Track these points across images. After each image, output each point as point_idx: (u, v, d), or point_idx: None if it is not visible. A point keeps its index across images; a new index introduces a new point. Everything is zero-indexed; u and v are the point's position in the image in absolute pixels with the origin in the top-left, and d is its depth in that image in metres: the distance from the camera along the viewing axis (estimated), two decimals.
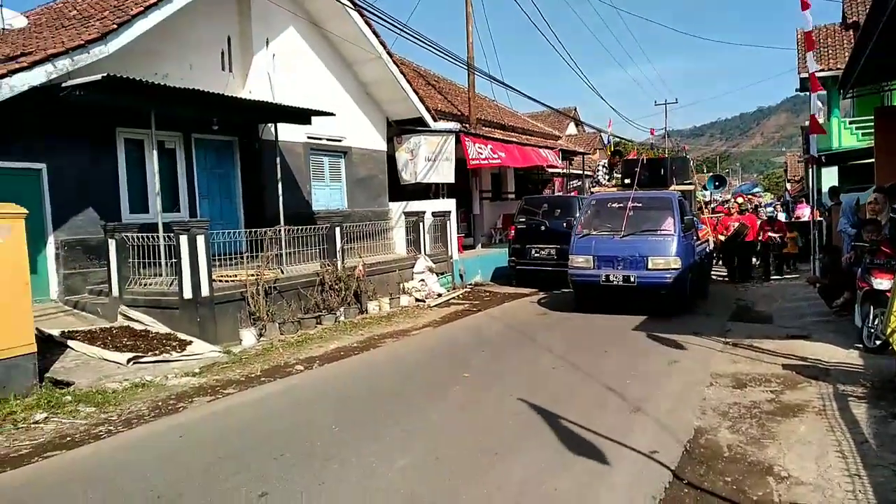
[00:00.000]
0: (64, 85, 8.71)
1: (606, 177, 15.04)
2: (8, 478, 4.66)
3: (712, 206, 24.35)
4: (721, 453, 4.64)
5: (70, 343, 8.20)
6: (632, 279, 10.43)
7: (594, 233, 11.18)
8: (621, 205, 11.30)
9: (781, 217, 23.67)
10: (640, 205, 11.22)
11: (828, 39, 23.48)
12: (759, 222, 16.33)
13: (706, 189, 28.38)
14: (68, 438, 5.48)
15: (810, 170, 15.66)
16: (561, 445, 4.84)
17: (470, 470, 4.47)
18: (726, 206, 19.39)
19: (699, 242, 12.29)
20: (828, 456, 4.47)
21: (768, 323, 9.97)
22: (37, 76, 8.44)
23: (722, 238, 15.70)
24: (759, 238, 15.85)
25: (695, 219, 12.82)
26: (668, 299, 10.55)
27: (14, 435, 5.55)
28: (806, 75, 17.95)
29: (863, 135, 19.68)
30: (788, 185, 43.92)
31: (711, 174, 34.70)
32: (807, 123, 15.71)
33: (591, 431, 5.06)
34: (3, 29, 8.78)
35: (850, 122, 21.13)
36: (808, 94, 13.61)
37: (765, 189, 57.75)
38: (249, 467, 4.60)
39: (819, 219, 14.03)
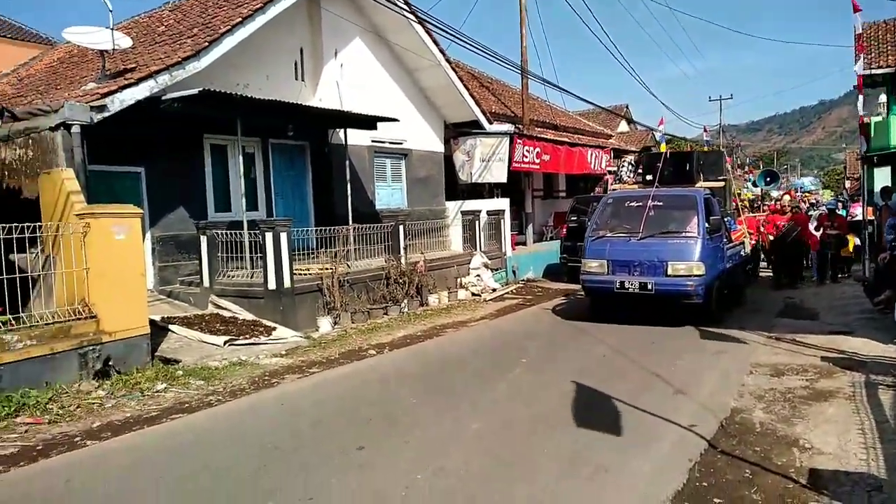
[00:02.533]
0: (164, 98, 9.78)
1: (631, 174, 13.66)
2: (147, 434, 5.65)
3: (764, 202, 23.84)
4: (753, 429, 5.28)
5: (171, 327, 9.29)
6: (649, 286, 9.60)
7: (609, 235, 10.41)
8: (640, 204, 10.44)
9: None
10: (661, 204, 10.35)
11: (886, 35, 23.20)
12: (811, 222, 15.72)
13: (756, 185, 27.94)
14: (186, 405, 6.47)
15: (864, 169, 15.76)
16: (611, 419, 5.55)
17: (533, 436, 5.23)
18: (778, 203, 18.91)
19: (731, 245, 11.45)
20: (849, 433, 5.06)
21: (814, 320, 10.38)
22: (142, 91, 9.50)
23: (770, 238, 15.13)
24: (809, 239, 14.90)
25: (728, 219, 12.10)
26: (691, 309, 9.72)
27: (143, 401, 6.58)
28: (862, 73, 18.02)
29: None
30: (847, 183, 42.93)
31: (763, 169, 33.88)
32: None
33: (638, 409, 5.75)
34: (113, 49, 9.89)
35: None
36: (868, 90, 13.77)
37: (824, 186, 56.42)
38: (345, 428, 5.49)
39: (871, 218, 14.17)
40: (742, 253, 12.56)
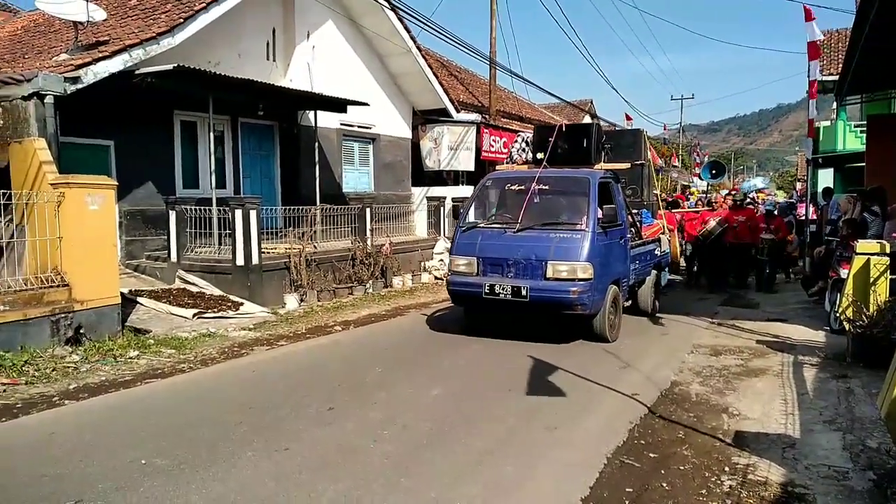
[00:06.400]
0: (137, 72, 9.87)
1: (524, 153, 10.77)
2: (125, 395, 5.90)
3: (708, 197, 23.59)
4: (689, 398, 5.82)
5: (139, 300, 9.46)
6: (523, 292, 7.53)
7: (483, 225, 8.46)
8: (523, 187, 8.44)
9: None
10: (547, 188, 8.42)
11: (838, 44, 24.30)
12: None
13: (702, 178, 28.31)
14: (160, 371, 6.72)
15: (809, 170, 16.61)
16: (562, 387, 6.03)
17: (489, 400, 5.67)
18: (727, 198, 17.60)
19: (639, 243, 9.65)
20: (773, 403, 5.63)
21: (755, 308, 11.07)
22: (115, 64, 9.57)
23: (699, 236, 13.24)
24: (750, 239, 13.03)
25: (643, 212, 10.76)
26: (576, 322, 7.94)
27: (116, 366, 6.81)
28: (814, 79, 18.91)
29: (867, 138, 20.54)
30: (798, 185, 44.54)
31: (709, 161, 33.87)
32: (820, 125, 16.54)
33: (587, 379, 6.24)
34: (88, 22, 9.91)
35: (856, 126, 22.01)
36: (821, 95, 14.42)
37: (778, 187, 58.37)
38: (315, 392, 5.84)
39: (813, 217, 14.99)
40: (657, 252, 10.56)
